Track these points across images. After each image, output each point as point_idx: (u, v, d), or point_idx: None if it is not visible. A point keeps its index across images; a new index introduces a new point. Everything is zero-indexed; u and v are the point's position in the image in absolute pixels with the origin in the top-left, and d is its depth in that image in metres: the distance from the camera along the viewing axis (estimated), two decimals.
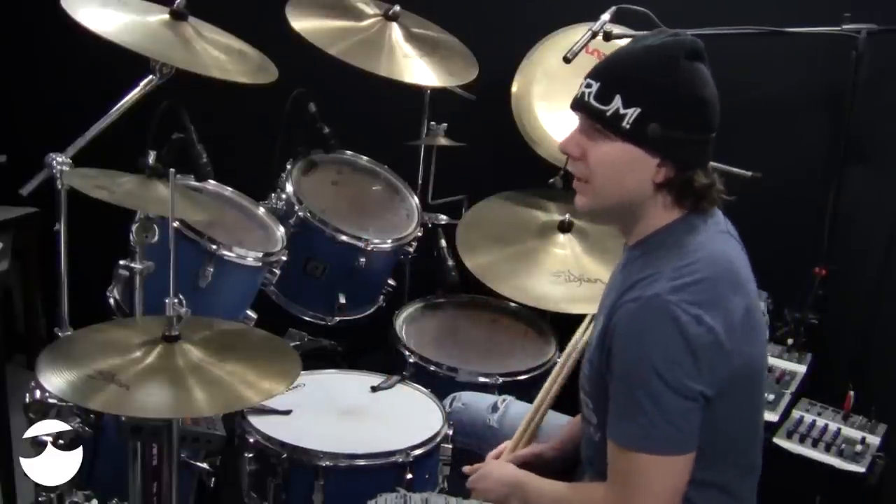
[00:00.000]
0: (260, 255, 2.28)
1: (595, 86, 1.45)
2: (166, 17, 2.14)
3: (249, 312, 2.34)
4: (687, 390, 1.36)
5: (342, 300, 2.53)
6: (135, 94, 2.02)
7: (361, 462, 1.87)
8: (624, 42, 2.58)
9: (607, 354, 1.44)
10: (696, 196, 1.46)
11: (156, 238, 1.89)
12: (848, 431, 2.15)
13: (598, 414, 1.52)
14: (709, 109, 1.45)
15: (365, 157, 2.80)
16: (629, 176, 1.45)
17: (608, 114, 1.42)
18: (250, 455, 1.91)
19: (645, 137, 1.41)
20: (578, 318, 2.50)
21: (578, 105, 1.48)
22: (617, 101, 1.42)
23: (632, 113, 1.41)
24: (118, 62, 1.94)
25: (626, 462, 1.41)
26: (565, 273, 2.61)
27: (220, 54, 2.15)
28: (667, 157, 1.43)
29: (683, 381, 1.35)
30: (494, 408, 1.99)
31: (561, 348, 2.52)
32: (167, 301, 1.57)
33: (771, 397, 2.17)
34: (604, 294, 1.60)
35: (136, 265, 1.90)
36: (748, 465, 1.55)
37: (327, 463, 1.85)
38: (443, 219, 2.81)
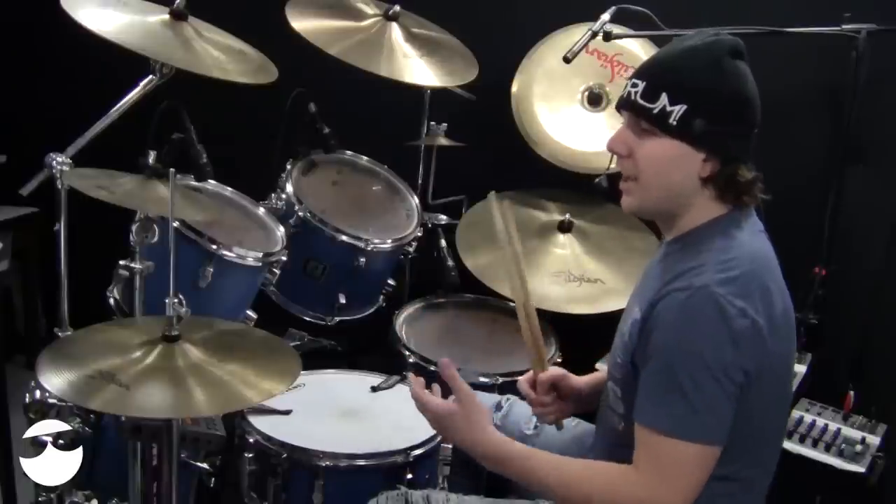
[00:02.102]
0: (260, 255, 2.28)
1: (641, 85, 1.49)
2: (166, 17, 2.14)
3: (249, 312, 2.34)
4: (728, 382, 1.39)
5: (342, 300, 2.53)
6: (135, 94, 2.02)
7: (361, 462, 1.87)
8: (624, 42, 2.63)
9: (646, 342, 1.45)
10: (740, 191, 1.50)
11: (156, 238, 1.89)
12: (848, 431, 2.15)
13: (625, 403, 1.54)
14: (751, 105, 1.50)
15: (365, 157, 2.80)
16: (676, 171, 1.49)
17: (655, 111, 1.46)
18: (250, 455, 1.91)
19: (691, 133, 1.46)
20: (578, 319, 2.52)
21: (626, 104, 1.52)
22: (663, 99, 1.46)
23: (678, 110, 1.45)
24: (118, 62, 1.94)
25: (659, 447, 1.41)
26: (565, 273, 2.61)
27: (220, 54, 2.15)
28: (712, 152, 1.47)
29: (727, 371, 1.39)
30: (498, 407, 1.99)
31: (561, 349, 2.53)
32: (167, 301, 1.57)
33: None
34: (639, 286, 1.63)
35: (136, 265, 1.90)
36: (769, 464, 1.58)
37: (327, 463, 1.85)
38: (443, 219, 2.81)
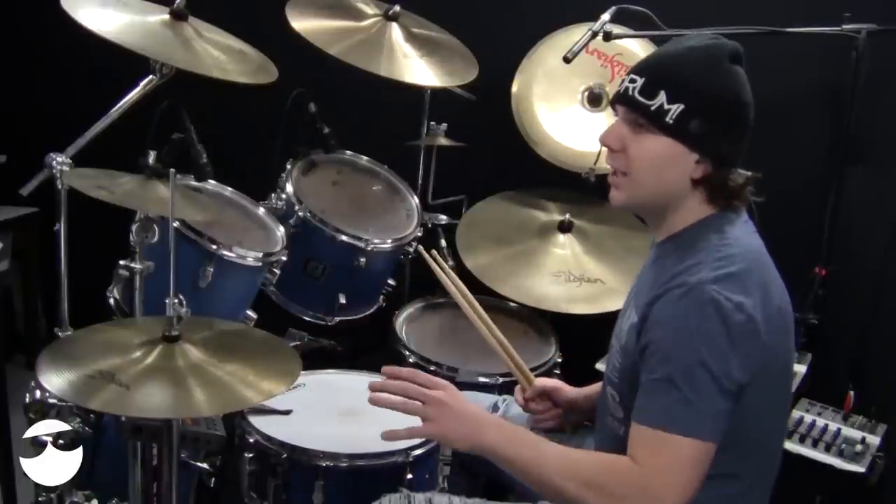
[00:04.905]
0: (260, 255, 2.28)
1: (640, 81, 1.48)
2: (166, 17, 2.13)
3: (249, 312, 2.34)
4: (726, 379, 1.38)
5: (342, 300, 2.53)
6: (135, 94, 2.02)
7: (361, 462, 1.86)
8: (624, 42, 2.63)
9: (645, 343, 1.45)
10: (730, 195, 1.51)
11: (156, 238, 1.89)
12: (848, 431, 2.15)
13: (624, 407, 1.54)
14: (747, 111, 1.50)
15: (365, 157, 2.80)
16: (669, 171, 1.49)
17: (653, 108, 1.46)
18: (250, 455, 1.91)
19: (687, 133, 1.46)
20: (578, 319, 2.52)
21: (622, 99, 1.51)
22: (661, 97, 1.46)
23: (676, 108, 1.45)
24: (118, 62, 1.94)
25: (656, 443, 1.40)
26: (565, 273, 2.61)
27: (220, 54, 2.15)
28: (706, 154, 1.48)
29: (724, 368, 1.38)
30: (495, 407, 1.99)
31: (561, 348, 2.53)
32: (167, 301, 1.57)
33: None
34: (634, 289, 1.64)
35: (136, 265, 1.90)
36: (769, 469, 1.57)
37: (327, 463, 1.85)
38: (443, 219, 2.81)
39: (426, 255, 1.89)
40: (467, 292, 1.91)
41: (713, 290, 1.39)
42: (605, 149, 1.56)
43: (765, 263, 1.50)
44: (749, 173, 1.53)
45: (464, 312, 1.88)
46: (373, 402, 1.59)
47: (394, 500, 1.68)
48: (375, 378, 2.15)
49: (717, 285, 1.39)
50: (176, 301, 1.57)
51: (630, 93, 1.49)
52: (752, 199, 1.54)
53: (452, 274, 1.90)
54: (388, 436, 1.57)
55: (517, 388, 1.92)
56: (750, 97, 1.50)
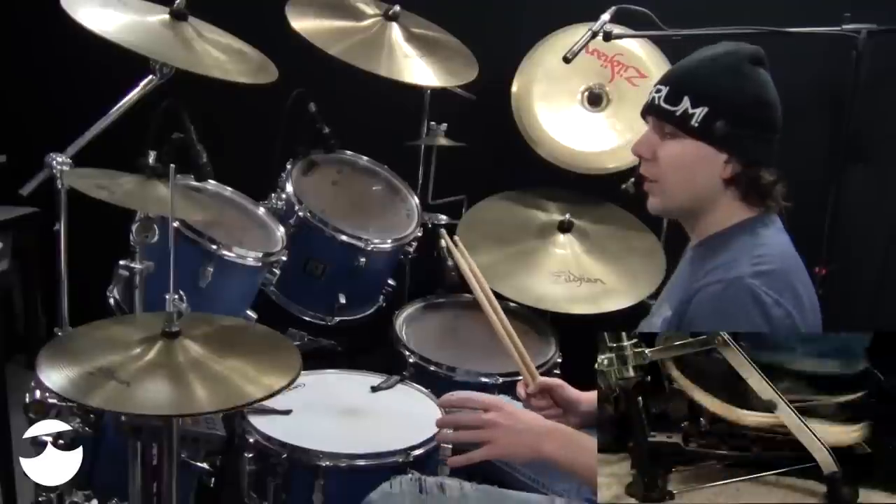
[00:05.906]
0: (260, 255, 2.28)
1: (664, 90, 1.55)
2: (166, 17, 2.13)
3: (249, 312, 2.34)
4: None
5: (342, 300, 2.53)
6: (135, 94, 2.02)
7: (361, 462, 1.87)
8: (624, 42, 2.63)
9: None
10: (763, 193, 1.55)
11: (156, 238, 1.89)
12: None
13: None
14: (771, 110, 1.56)
15: (365, 157, 2.80)
16: (699, 172, 1.54)
17: (678, 114, 1.52)
18: (250, 455, 1.91)
19: (712, 134, 1.51)
20: (579, 319, 2.52)
21: (650, 109, 1.58)
22: (685, 102, 1.52)
23: (700, 112, 1.51)
24: (118, 62, 1.94)
25: None
26: (565, 273, 2.62)
27: (220, 54, 2.15)
28: (734, 154, 1.52)
29: None
30: None
31: (561, 348, 2.53)
32: (167, 297, 1.56)
33: None
34: (667, 289, 1.69)
35: (136, 265, 1.90)
36: None
37: (327, 463, 1.85)
38: (443, 219, 2.81)
39: (446, 238, 1.97)
40: (482, 278, 1.92)
41: (752, 284, 1.42)
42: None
43: (798, 268, 1.53)
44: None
45: (476, 298, 1.90)
46: (439, 440, 1.75)
47: (404, 482, 1.68)
48: (375, 378, 2.18)
49: (755, 280, 1.43)
50: (176, 297, 1.57)
51: (656, 102, 1.55)
52: (784, 204, 1.58)
53: (469, 258, 1.93)
54: (453, 462, 1.64)
55: (520, 381, 1.92)
56: (773, 96, 1.56)
